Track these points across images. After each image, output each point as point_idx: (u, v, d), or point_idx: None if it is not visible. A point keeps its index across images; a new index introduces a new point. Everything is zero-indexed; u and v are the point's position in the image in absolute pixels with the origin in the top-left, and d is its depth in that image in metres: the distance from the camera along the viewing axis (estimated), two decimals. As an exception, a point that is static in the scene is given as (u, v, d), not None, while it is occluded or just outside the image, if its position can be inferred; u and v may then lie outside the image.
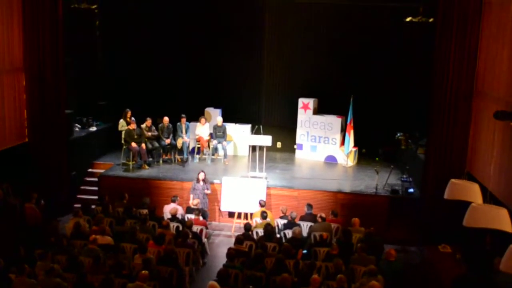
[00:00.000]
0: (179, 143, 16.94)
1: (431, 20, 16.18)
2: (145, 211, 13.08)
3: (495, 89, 11.54)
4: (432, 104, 13.24)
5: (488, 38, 12.23)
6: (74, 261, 9.96)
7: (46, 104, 14.52)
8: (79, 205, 13.74)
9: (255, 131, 16.56)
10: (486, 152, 11.69)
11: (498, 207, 7.62)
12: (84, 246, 10.88)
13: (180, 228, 12.41)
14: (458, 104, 12.89)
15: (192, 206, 13.67)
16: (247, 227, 12.07)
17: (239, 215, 14.51)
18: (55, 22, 14.31)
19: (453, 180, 9.19)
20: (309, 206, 13.30)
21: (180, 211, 13.38)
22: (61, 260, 10.27)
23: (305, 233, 12.65)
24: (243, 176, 15.27)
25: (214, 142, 17.12)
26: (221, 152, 17.25)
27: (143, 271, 9.26)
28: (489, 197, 8.82)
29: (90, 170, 16.72)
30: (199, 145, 17.33)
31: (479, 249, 10.44)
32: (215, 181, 14.99)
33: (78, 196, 15.70)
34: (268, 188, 14.70)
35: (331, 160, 17.69)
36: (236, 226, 14.42)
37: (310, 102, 17.82)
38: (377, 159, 17.80)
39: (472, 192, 8.55)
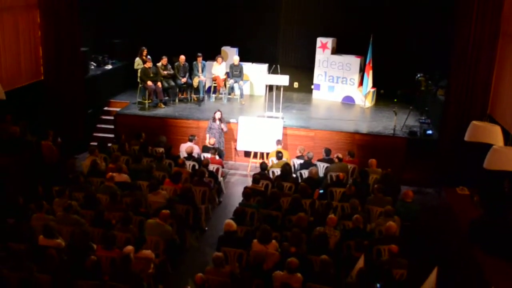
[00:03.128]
0: (195, 82, 16.82)
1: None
2: (161, 149, 13.07)
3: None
4: (455, 44, 12.88)
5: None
6: (92, 198, 10.03)
7: (61, 41, 14.35)
8: (95, 143, 13.77)
9: (272, 70, 16.36)
10: (509, 95, 11.43)
11: (521, 149, 7.49)
12: (101, 184, 10.93)
13: (196, 166, 12.42)
14: (483, 45, 12.53)
15: (209, 145, 13.63)
16: (263, 166, 12.03)
17: (255, 154, 14.48)
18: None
19: (474, 122, 9.06)
20: (328, 151, 13.15)
21: (196, 149, 13.36)
22: (79, 197, 10.35)
23: (321, 173, 12.60)
24: (260, 116, 15.16)
25: (230, 81, 16.95)
26: (237, 92, 17.11)
27: (164, 210, 9.29)
28: (511, 140, 8.68)
29: (106, 108, 16.68)
30: (215, 84, 17.17)
31: (497, 192, 10.33)
32: (232, 120, 14.91)
33: (95, 134, 15.72)
34: (284, 128, 14.60)
35: (348, 101, 17.49)
36: (252, 166, 14.42)
37: (329, 41, 17.49)
38: (395, 100, 17.54)
39: (494, 135, 8.44)
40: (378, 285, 7.81)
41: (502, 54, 12.38)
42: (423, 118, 15.28)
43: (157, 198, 10.40)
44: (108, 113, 16.41)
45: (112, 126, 15.65)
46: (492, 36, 12.47)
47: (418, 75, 17.00)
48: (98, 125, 16.12)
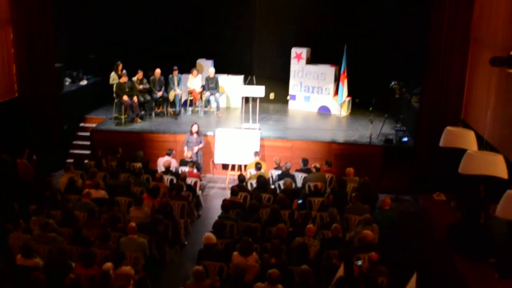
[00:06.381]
0: (171, 95, 16.79)
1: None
2: (138, 164, 13.01)
3: (491, 35, 11.38)
4: (427, 51, 13.08)
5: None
6: (69, 216, 9.94)
7: (35, 58, 14.21)
8: (72, 160, 13.66)
9: (247, 82, 16.38)
10: (482, 100, 11.60)
11: (494, 153, 7.60)
12: (78, 201, 10.84)
13: (174, 180, 12.38)
14: (454, 51, 12.74)
15: (186, 159, 13.60)
16: (241, 178, 12.05)
17: (233, 167, 14.47)
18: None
19: (448, 127, 9.17)
20: (305, 161, 13.19)
21: (174, 163, 13.32)
22: (56, 215, 10.24)
23: (299, 183, 12.64)
24: (237, 128, 15.17)
25: (206, 94, 16.95)
26: (213, 104, 17.11)
27: (131, 224, 9.27)
28: (484, 144, 8.79)
29: (82, 124, 16.55)
30: (191, 97, 17.15)
31: (473, 196, 10.46)
32: (209, 133, 14.90)
33: (71, 151, 15.57)
34: (261, 139, 14.62)
35: (324, 111, 17.58)
36: (230, 178, 14.40)
37: (303, 51, 17.60)
38: (370, 108, 17.70)
39: (468, 139, 8.54)
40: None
41: (473, 59, 12.58)
42: (398, 125, 15.41)
43: (137, 213, 10.34)
44: (84, 129, 16.28)
45: (88, 142, 15.53)
46: (463, 42, 12.70)
47: (392, 83, 17.18)
48: (74, 142, 15.97)
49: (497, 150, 9.62)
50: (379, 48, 17.61)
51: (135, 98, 15.84)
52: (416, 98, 15.24)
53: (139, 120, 15.94)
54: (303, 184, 12.39)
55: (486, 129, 10.23)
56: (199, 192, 12.75)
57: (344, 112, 17.23)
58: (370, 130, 14.73)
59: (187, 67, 17.21)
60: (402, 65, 16.90)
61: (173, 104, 16.97)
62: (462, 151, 8.41)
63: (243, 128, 15.11)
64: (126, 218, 10.30)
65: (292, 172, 12.92)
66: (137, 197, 10.77)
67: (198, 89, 16.92)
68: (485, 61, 10.73)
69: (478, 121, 11.66)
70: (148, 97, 16.39)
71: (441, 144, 9.09)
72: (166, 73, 16.84)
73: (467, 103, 12.83)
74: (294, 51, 17.68)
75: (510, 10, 10.30)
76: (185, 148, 14.09)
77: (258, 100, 15.47)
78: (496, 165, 7.51)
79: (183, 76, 17.19)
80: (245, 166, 14.06)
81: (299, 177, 12.85)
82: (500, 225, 8.76)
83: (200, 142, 14.27)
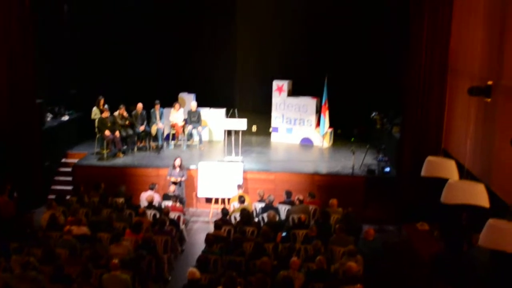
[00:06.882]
0: (153, 129, 16.78)
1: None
2: (121, 199, 12.91)
3: (468, 66, 11.56)
4: (407, 82, 13.25)
5: (461, 14, 12.24)
6: (50, 253, 9.78)
7: (16, 93, 14.17)
8: (53, 196, 13.53)
9: (230, 115, 16.43)
10: (462, 129, 11.72)
11: (475, 182, 7.66)
12: (60, 238, 10.71)
13: (157, 215, 12.29)
14: (432, 82, 12.92)
15: (169, 193, 13.53)
16: (225, 212, 12.00)
17: (216, 200, 14.42)
18: (23, 10, 13.93)
19: (429, 157, 9.21)
20: (289, 193, 13.18)
21: (157, 198, 13.25)
22: (37, 253, 10.08)
23: (283, 216, 12.61)
24: (220, 161, 15.16)
25: (189, 127, 16.96)
26: (196, 138, 17.12)
27: (113, 260, 9.16)
28: (465, 173, 8.85)
29: (64, 160, 16.46)
30: (173, 131, 17.16)
31: (456, 225, 10.50)
32: (191, 166, 14.86)
33: (53, 187, 15.44)
34: (244, 172, 14.61)
35: (306, 142, 17.66)
36: (213, 212, 14.33)
37: (285, 84, 17.74)
38: (352, 139, 17.83)
39: (449, 169, 8.57)
40: None
41: (452, 89, 12.76)
42: (380, 156, 15.49)
43: (119, 249, 10.23)
44: (66, 165, 16.18)
45: (70, 178, 15.41)
46: (441, 72, 12.89)
47: (373, 114, 17.36)
48: (56, 178, 15.85)
49: (478, 179, 9.70)
50: (359, 80, 17.80)
51: (117, 133, 15.81)
52: (397, 128, 15.38)
53: (121, 155, 15.89)
54: (287, 216, 12.36)
55: (466, 158, 10.31)
56: (182, 226, 12.66)
57: (326, 143, 17.32)
58: (353, 161, 14.80)
59: (169, 101, 17.25)
60: (383, 96, 17.10)
61: (155, 138, 16.96)
62: (444, 181, 8.46)
63: (226, 161, 15.11)
64: (109, 255, 10.18)
65: (275, 204, 12.89)
66: (115, 233, 10.63)
67: (181, 123, 16.95)
68: (463, 91, 10.89)
69: (459, 150, 11.77)
70: (130, 132, 16.36)
71: (422, 174, 9.13)
72: (148, 107, 16.86)
73: (448, 133, 12.96)
74: (276, 83, 17.82)
75: (486, 40, 10.49)
76: (169, 177, 14.06)
77: (240, 133, 15.51)
78: (477, 194, 7.54)
79: (165, 110, 17.22)
80: (229, 199, 14.00)
81: (283, 209, 12.82)
82: (483, 254, 8.79)
83: (183, 176, 14.23)
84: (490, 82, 9.91)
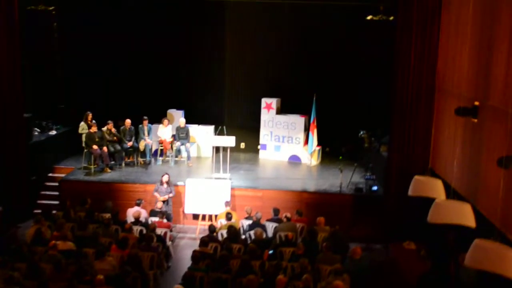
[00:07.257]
0: (141, 145, 16.75)
1: (391, 18, 16.33)
2: (107, 215, 12.84)
3: (455, 86, 11.65)
4: (394, 101, 13.33)
5: (448, 35, 12.35)
6: (35, 268, 9.69)
7: (4, 108, 14.13)
8: (39, 211, 13.43)
9: (218, 132, 16.43)
10: (448, 149, 11.79)
11: (462, 202, 7.68)
12: (45, 253, 10.61)
13: (144, 231, 12.23)
14: (420, 101, 13.00)
15: (156, 209, 13.48)
16: (212, 229, 11.96)
17: (204, 217, 14.36)
18: (11, 25, 13.96)
19: (416, 176, 9.23)
20: (276, 210, 13.19)
21: (144, 214, 13.19)
22: (21, 267, 9.99)
23: (270, 233, 12.59)
24: (207, 178, 15.13)
25: (177, 144, 16.94)
26: (184, 154, 17.08)
27: (98, 276, 9.09)
28: (452, 193, 8.88)
29: (50, 174, 16.36)
30: (161, 147, 17.13)
31: (443, 245, 10.52)
32: (179, 183, 14.82)
33: (39, 201, 15.33)
34: (232, 189, 14.59)
35: (295, 160, 17.68)
36: (200, 228, 14.28)
37: (273, 101, 17.79)
38: (340, 157, 17.87)
39: (436, 188, 8.59)
40: None
41: (439, 109, 12.84)
42: (368, 174, 15.54)
43: (103, 265, 10.15)
44: (53, 179, 16.08)
45: (57, 193, 15.32)
46: (428, 92, 12.97)
47: (361, 132, 17.41)
48: (43, 192, 15.74)
49: (465, 198, 9.74)
50: (347, 98, 17.90)
51: (105, 148, 15.77)
52: (385, 147, 15.43)
53: (108, 170, 15.83)
54: (274, 234, 12.33)
55: (453, 178, 10.36)
56: (169, 242, 12.60)
57: (314, 161, 17.35)
58: (340, 179, 14.82)
59: (158, 117, 17.25)
60: (371, 115, 17.19)
61: (143, 154, 16.91)
62: (431, 200, 8.48)
63: (214, 178, 15.09)
64: (94, 271, 10.10)
65: (263, 222, 12.88)
66: (99, 249, 10.57)
67: (169, 139, 16.93)
68: (450, 111, 10.97)
69: (446, 169, 11.83)
70: (118, 147, 16.32)
71: (409, 193, 9.15)
72: (136, 123, 16.84)
73: (435, 152, 13.03)
74: (264, 101, 17.86)
75: (473, 61, 10.59)
76: (156, 194, 14.00)
77: (228, 150, 15.51)
78: (464, 214, 7.57)
79: (153, 126, 17.20)
80: (216, 216, 13.97)
81: (270, 227, 12.80)
82: (469, 274, 8.80)
83: (170, 192, 14.19)
84: (477, 103, 10.01)
